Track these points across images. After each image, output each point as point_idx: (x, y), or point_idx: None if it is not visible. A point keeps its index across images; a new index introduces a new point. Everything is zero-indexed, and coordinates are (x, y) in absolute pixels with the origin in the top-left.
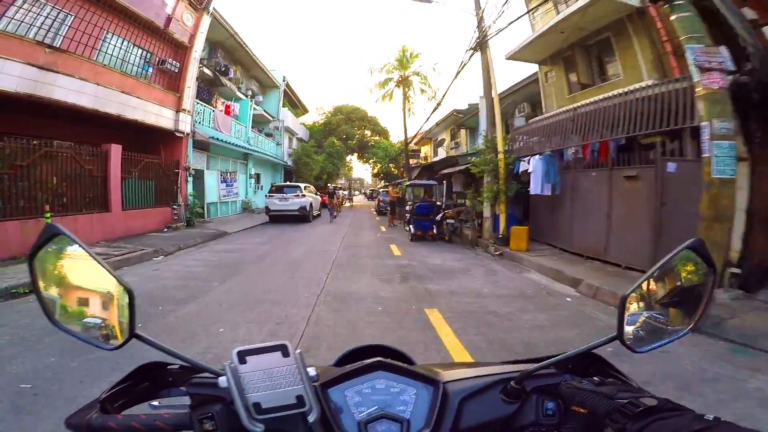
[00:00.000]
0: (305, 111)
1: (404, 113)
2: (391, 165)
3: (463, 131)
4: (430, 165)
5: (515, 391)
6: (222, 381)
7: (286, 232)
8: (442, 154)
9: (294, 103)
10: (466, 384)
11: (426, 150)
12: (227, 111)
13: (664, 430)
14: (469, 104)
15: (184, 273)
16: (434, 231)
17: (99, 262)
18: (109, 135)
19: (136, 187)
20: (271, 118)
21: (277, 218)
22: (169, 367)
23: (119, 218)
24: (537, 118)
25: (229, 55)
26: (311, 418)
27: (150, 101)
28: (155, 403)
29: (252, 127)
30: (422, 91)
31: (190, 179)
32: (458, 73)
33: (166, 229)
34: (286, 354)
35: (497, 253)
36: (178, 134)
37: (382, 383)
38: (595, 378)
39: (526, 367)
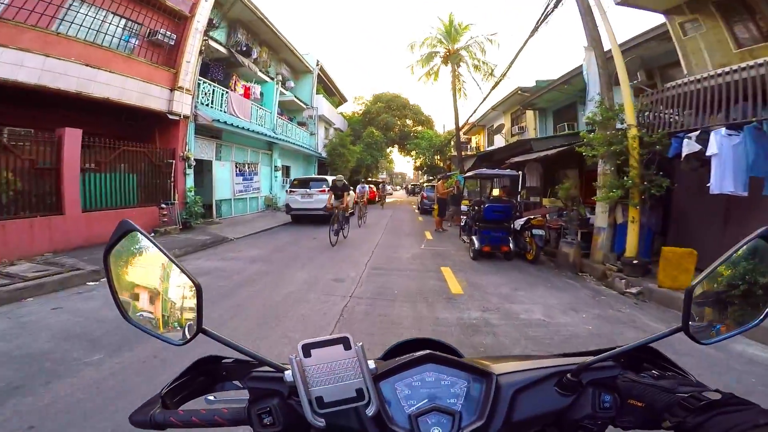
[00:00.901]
0: (343, 100)
1: (454, 93)
2: (435, 157)
3: (530, 113)
4: (488, 153)
5: (571, 384)
6: (288, 375)
7: (300, 240)
8: (499, 143)
9: (330, 91)
10: (520, 377)
11: (477, 140)
12: (246, 94)
13: (727, 423)
14: (537, 81)
15: (70, 326)
16: (511, 246)
17: (169, 257)
18: (87, 121)
19: (110, 183)
20: (303, 106)
21: (301, 218)
22: (224, 361)
23: (77, 222)
24: (687, 80)
25: (253, 35)
26: (370, 412)
27: (130, 77)
28: (211, 397)
29: (281, 114)
30: (476, 67)
31: (191, 172)
32: (537, 26)
33: (153, 234)
34: (347, 347)
35: (634, 291)
36: (172, 117)
37: (431, 376)
38: (653, 372)
39: (579, 360)
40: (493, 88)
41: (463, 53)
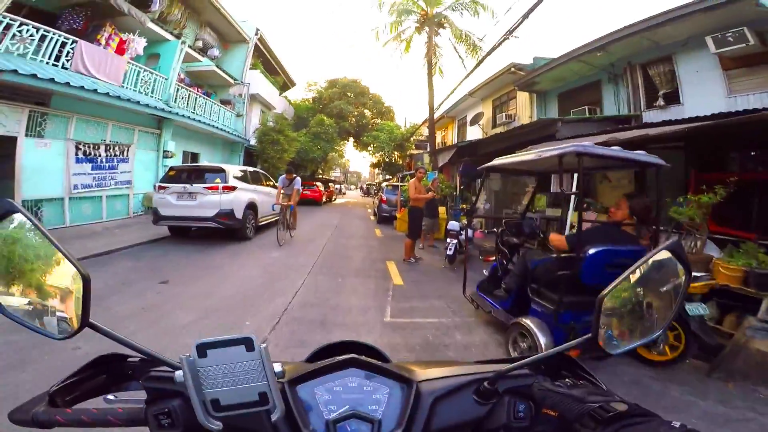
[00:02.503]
0: (290, 84)
1: (429, 66)
2: (395, 153)
3: (523, 97)
4: (471, 144)
5: (488, 392)
6: (178, 375)
7: (150, 285)
8: (473, 136)
9: (273, 70)
10: (440, 384)
11: (443, 134)
12: (121, 49)
13: None
14: (535, 58)
15: None
16: None
17: (55, 244)
18: None
19: None
20: (231, 80)
21: (183, 231)
22: (129, 359)
23: None
24: None
25: None
26: (274, 417)
27: None
28: (111, 396)
29: (191, 86)
30: (459, 37)
31: None
32: None
33: None
34: (250, 348)
35: None
36: None
37: (354, 381)
38: (567, 380)
39: (500, 367)
40: (490, 53)
41: (445, 17)
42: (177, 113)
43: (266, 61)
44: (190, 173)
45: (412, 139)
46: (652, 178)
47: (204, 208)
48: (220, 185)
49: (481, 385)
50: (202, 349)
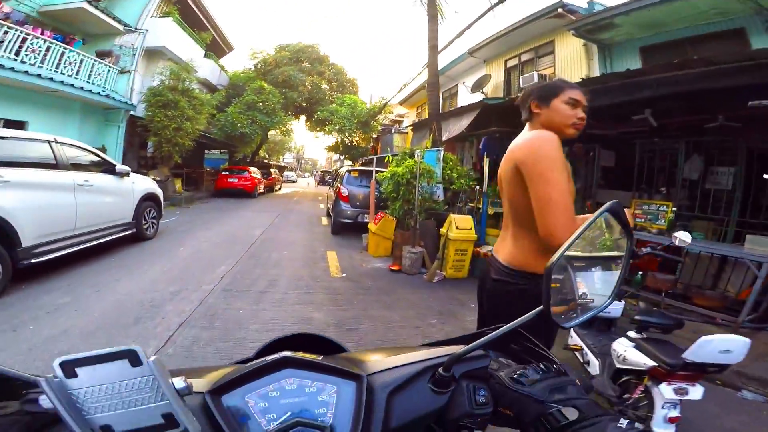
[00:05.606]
0: (227, 46)
1: None
2: (356, 133)
3: (571, 49)
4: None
5: (444, 380)
6: (43, 400)
7: None
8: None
9: (198, 23)
10: (393, 375)
11: (417, 113)
12: None
13: None
14: (589, 2)
15: None
16: None
17: None
18: None
19: None
20: (119, 27)
21: None
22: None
23: None
24: None
25: None
26: None
27: None
28: None
29: (30, 26)
30: None
31: None
32: None
33: None
34: (136, 363)
35: None
36: None
37: (292, 383)
38: (527, 371)
39: (452, 349)
40: None
41: None
42: None
43: (187, 10)
44: None
45: (379, 117)
46: None
47: None
48: None
49: (436, 372)
50: (69, 368)
